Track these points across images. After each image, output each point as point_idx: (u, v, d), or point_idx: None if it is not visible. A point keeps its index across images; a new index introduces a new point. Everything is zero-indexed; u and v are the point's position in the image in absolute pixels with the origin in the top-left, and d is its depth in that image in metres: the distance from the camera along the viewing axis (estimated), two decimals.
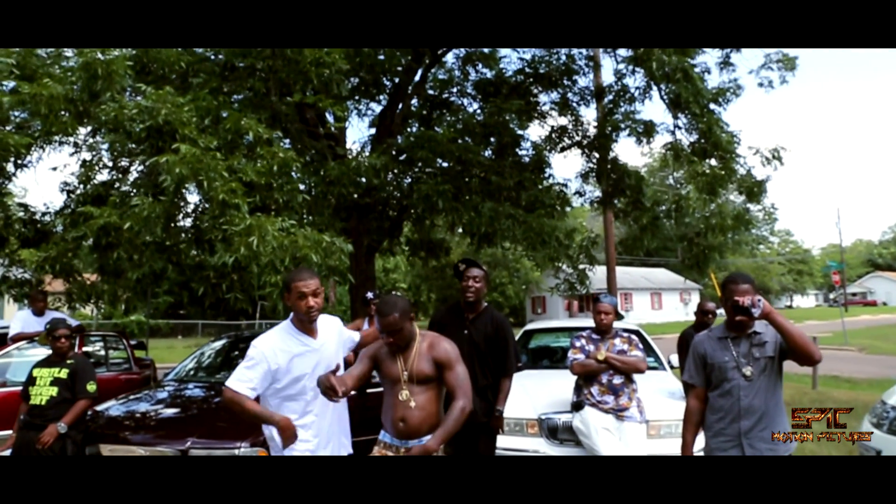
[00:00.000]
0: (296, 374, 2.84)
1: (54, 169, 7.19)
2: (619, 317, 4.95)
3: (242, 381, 2.74)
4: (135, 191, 5.75)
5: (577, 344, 4.61)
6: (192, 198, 6.29)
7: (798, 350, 2.69)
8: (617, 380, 4.42)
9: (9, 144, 5.44)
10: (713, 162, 7.87)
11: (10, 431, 5.02)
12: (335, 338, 3.06)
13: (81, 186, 5.89)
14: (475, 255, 10.57)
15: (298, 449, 2.82)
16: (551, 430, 4.74)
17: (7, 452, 4.09)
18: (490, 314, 4.03)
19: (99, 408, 4.80)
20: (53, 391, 4.09)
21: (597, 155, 10.53)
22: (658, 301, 45.98)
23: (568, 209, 10.29)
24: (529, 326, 7.35)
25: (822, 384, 11.37)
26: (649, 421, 4.52)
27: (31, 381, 4.18)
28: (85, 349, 6.64)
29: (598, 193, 11.56)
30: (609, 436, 4.26)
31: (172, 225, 5.36)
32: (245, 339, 6.79)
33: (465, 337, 3.81)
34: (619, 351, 4.51)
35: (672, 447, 4.63)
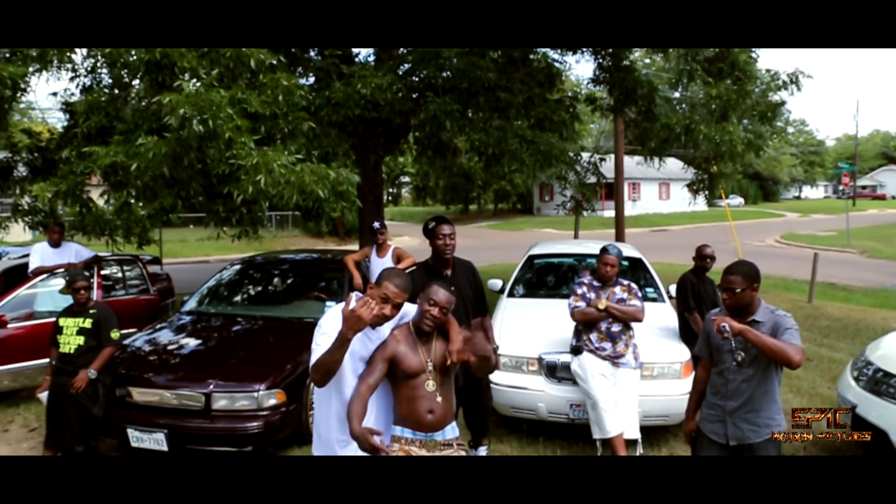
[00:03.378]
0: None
1: (54, 94, 7.04)
2: (622, 265, 5.02)
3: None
4: (138, 123, 5.65)
5: (579, 291, 4.74)
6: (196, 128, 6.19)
7: (776, 361, 2.85)
8: (615, 328, 4.61)
9: (3, 77, 5.32)
10: (728, 82, 7.56)
11: (40, 361, 5.38)
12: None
13: (84, 117, 5.78)
14: (483, 171, 10.43)
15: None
16: (550, 369, 4.98)
17: (45, 395, 4.41)
18: (460, 262, 4.21)
19: (125, 341, 5.08)
20: (80, 340, 4.34)
21: (610, 61, 10.10)
22: (666, 191, 45.76)
23: (577, 124, 9.96)
24: (533, 251, 7.45)
25: (818, 294, 11.54)
26: (643, 364, 4.76)
27: (58, 329, 4.42)
28: (103, 272, 6.87)
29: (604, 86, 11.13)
30: (605, 381, 4.51)
31: (180, 163, 5.31)
32: (258, 266, 6.98)
33: (454, 294, 3.89)
34: (618, 300, 4.66)
35: (664, 388, 4.92)
